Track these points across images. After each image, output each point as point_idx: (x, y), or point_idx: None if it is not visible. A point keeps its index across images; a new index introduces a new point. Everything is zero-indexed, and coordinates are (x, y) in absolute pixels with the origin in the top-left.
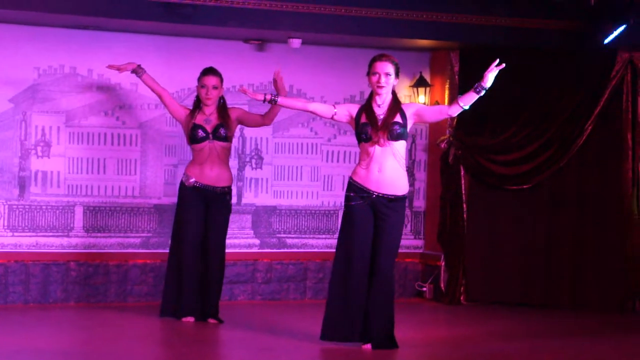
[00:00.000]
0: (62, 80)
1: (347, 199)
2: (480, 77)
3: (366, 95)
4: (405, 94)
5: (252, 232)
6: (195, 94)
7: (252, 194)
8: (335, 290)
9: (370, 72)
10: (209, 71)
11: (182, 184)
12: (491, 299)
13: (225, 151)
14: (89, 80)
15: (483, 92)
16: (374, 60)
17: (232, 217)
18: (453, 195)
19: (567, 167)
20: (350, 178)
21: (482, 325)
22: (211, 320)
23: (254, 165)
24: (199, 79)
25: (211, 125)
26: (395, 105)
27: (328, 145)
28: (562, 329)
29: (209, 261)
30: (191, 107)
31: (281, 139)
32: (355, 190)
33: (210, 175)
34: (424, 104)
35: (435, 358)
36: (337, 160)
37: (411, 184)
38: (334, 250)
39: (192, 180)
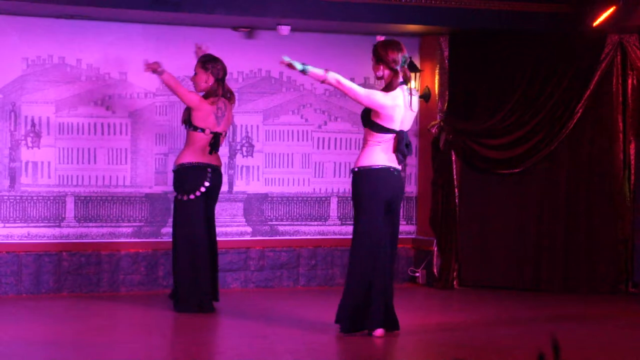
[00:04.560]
0: (51, 71)
1: None
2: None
3: (356, 82)
4: None
5: (244, 220)
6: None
7: (243, 182)
8: None
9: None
10: None
11: None
12: (484, 283)
13: (186, 135)
14: (78, 70)
15: (307, 70)
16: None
17: (224, 205)
18: (445, 180)
19: (557, 150)
20: None
21: (476, 309)
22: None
23: (244, 153)
24: None
25: None
26: None
27: (319, 132)
28: (555, 311)
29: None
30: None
31: (272, 126)
32: None
33: None
34: (415, 89)
35: (431, 344)
36: (328, 147)
37: (402, 170)
38: (326, 237)
39: None
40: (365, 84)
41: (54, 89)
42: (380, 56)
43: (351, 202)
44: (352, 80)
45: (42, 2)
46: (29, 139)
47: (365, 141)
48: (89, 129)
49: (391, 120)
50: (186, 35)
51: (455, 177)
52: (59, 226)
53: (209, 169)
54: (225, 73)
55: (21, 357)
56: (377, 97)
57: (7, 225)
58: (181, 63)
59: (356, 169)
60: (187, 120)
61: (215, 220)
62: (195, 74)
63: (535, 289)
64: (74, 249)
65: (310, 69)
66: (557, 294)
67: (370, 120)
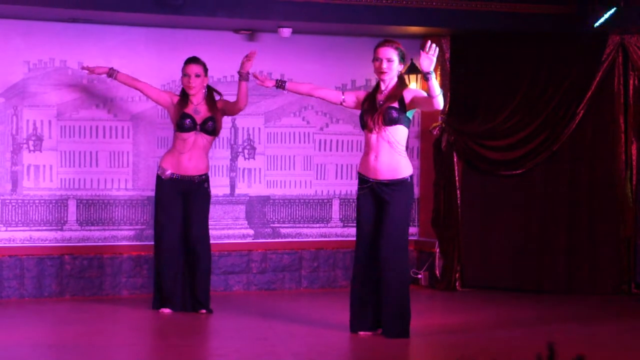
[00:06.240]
0: (53, 74)
1: (358, 190)
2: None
3: (358, 84)
4: None
5: (246, 222)
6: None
7: (245, 185)
8: (352, 279)
9: (373, 58)
10: (191, 60)
11: (158, 177)
12: (486, 285)
13: (208, 144)
14: (80, 73)
15: (431, 77)
16: (377, 46)
17: (225, 208)
18: (446, 181)
19: (559, 151)
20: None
21: (478, 311)
22: (202, 311)
23: (246, 156)
24: (182, 68)
25: (200, 116)
26: (397, 90)
27: (320, 134)
28: (558, 313)
29: (194, 252)
30: (178, 95)
31: (273, 128)
32: (360, 180)
33: (188, 166)
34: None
35: (433, 345)
36: (330, 149)
37: None
38: (328, 239)
39: (169, 172)
40: (366, 86)
41: (55, 93)
42: (404, 55)
43: (354, 206)
44: (354, 82)
45: (44, 5)
46: (31, 143)
47: (397, 144)
48: (91, 133)
49: None
50: (188, 39)
51: (457, 178)
52: (61, 229)
53: None
54: None
55: None
56: None
57: (9, 228)
58: (182, 66)
59: (409, 178)
60: (218, 130)
61: (217, 222)
62: (198, 76)
63: (538, 290)
64: (76, 252)
65: (434, 78)
66: (559, 295)
67: (410, 120)
